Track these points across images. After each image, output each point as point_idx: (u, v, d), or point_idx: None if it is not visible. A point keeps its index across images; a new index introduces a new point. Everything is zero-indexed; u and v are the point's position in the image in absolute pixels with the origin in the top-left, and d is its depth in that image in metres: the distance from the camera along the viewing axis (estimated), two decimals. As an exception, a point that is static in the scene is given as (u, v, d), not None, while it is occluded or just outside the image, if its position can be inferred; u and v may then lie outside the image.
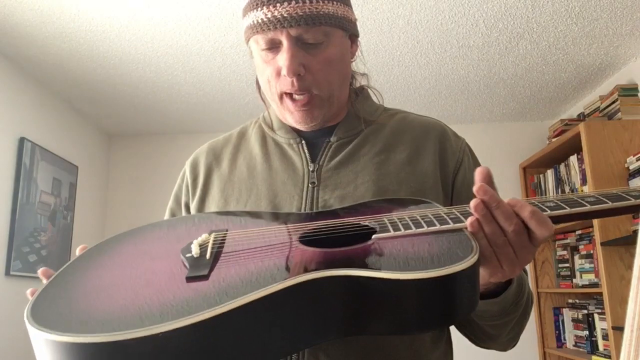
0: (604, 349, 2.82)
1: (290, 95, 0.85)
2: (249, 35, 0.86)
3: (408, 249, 0.61)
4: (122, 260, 0.68)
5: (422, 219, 0.67)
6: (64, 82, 3.11)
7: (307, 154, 0.89)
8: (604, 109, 3.01)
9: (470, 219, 0.64)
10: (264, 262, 0.62)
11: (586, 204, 0.65)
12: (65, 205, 3.37)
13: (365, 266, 0.58)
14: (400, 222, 0.67)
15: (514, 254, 0.65)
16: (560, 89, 3.36)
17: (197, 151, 1.01)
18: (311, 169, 0.88)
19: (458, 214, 0.67)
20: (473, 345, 0.89)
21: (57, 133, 3.33)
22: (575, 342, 3.21)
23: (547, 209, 0.65)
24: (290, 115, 0.87)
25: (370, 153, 0.89)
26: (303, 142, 0.91)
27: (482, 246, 0.64)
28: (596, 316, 2.94)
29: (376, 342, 0.75)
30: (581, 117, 3.31)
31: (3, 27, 2.50)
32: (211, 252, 0.65)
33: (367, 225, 0.69)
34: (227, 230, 0.73)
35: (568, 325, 3.29)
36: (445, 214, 0.68)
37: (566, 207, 0.65)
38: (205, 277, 0.60)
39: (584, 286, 3.04)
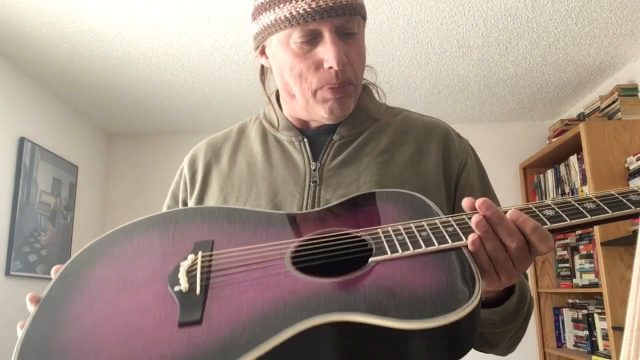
0: (604, 349, 2.82)
1: (330, 87, 0.82)
2: (280, 28, 0.81)
3: (409, 281, 0.58)
4: (104, 289, 0.64)
5: (419, 232, 0.64)
6: (64, 82, 3.11)
7: (309, 152, 0.88)
8: (604, 109, 3.01)
9: (471, 237, 0.62)
10: (257, 302, 0.58)
11: (587, 215, 0.64)
12: (65, 205, 3.37)
13: (365, 309, 0.54)
14: (396, 237, 0.64)
15: (513, 266, 0.64)
16: (560, 89, 3.36)
17: (195, 147, 1.00)
18: (313, 168, 0.86)
19: (456, 227, 0.64)
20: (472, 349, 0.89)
21: (57, 133, 3.33)
22: (575, 342, 3.21)
23: (547, 222, 0.64)
24: (325, 106, 0.84)
25: (373, 152, 0.87)
26: (305, 140, 0.89)
27: (481, 262, 0.62)
28: (596, 316, 2.94)
29: None
30: (581, 117, 3.31)
31: (3, 27, 2.50)
32: (201, 287, 0.61)
33: (362, 240, 0.66)
34: (212, 246, 0.69)
35: (568, 325, 3.29)
36: (442, 225, 0.65)
37: (567, 218, 0.64)
38: (198, 322, 0.57)
39: (584, 286, 3.04)
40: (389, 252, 0.62)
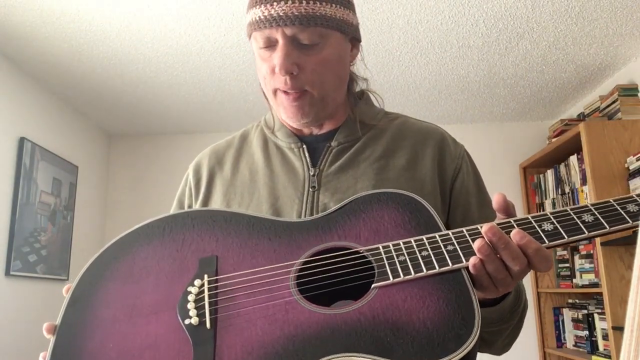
0: (604, 349, 2.82)
1: (284, 90, 0.85)
2: (250, 32, 0.87)
3: (411, 315, 0.60)
4: (116, 317, 0.65)
5: (420, 252, 0.66)
6: (64, 82, 3.11)
7: (308, 159, 0.90)
8: (604, 109, 3.01)
9: (472, 261, 0.63)
10: (266, 340, 0.60)
11: (585, 231, 0.65)
12: (65, 205, 3.37)
13: (370, 350, 0.57)
14: (397, 256, 0.66)
15: (512, 280, 0.66)
16: (560, 89, 3.36)
17: (200, 155, 1.02)
18: (312, 174, 0.88)
19: (457, 245, 0.66)
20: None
21: (57, 133, 3.33)
22: (575, 342, 3.21)
23: (545, 240, 0.65)
24: (284, 111, 0.88)
25: (370, 158, 0.89)
26: (304, 146, 0.91)
27: (481, 280, 0.64)
28: (596, 316, 2.94)
29: None
30: (581, 117, 3.31)
31: (3, 27, 2.50)
32: (210, 320, 0.63)
33: (363, 257, 0.68)
34: (217, 263, 0.70)
35: (568, 325, 3.29)
36: (442, 242, 0.66)
37: (565, 235, 0.65)
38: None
39: (584, 286, 3.04)
40: (390, 277, 0.64)
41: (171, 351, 0.61)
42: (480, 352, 0.87)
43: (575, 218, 0.66)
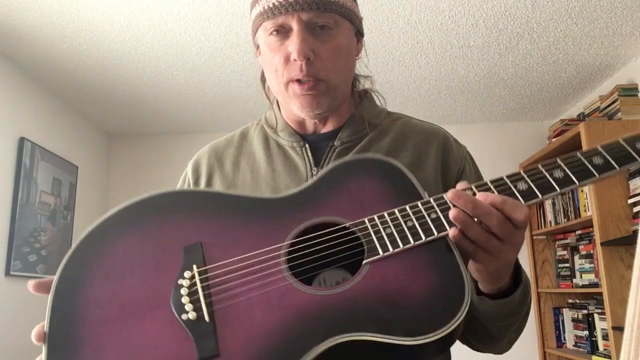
0: (604, 349, 2.83)
1: (297, 80, 0.84)
2: (259, 22, 0.85)
3: (405, 288, 0.62)
4: (109, 318, 0.62)
5: (405, 222, 0.67)
6: (64, 82, 3.11)
7: (310, 158, 0.89)
8: (604, 109, 3.01)
9: (452, 231, 0.65)
10: (267, 328, 0.60)
11: (556, 188, 0.67)
12: (65, 205, 3.37)
13: (371, 329, 0.59)
14: (384, 229, 0.67)
15: (502, 244, 0.66)
16: (560, 89, 3.36)
17: (198, 152, 1.01)
18: (314, 173, 0.87)
19: (439, 212, 0.67)
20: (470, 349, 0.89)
21: (57, 133, 3.33)
22: (575, 342, 3.21)
23: (521, 199, 0.67)
24: (296, 101, 0.85)
25: None
26: (307, 145, 0.90)
27: (466, 247, 0.66)
28: (596, 316, 2.94)
29: None
30: (581, 117, 3.31)
31: (3, 27, 2.50)
32: (208, 313, 0.62)
33: (351, 232, 0.68)
34: (202, 250, 0.68)
35: (568, 325, 3.29)
36: (425, 211, 0.68)
37: (539, 195, 0.67)
38: (216, 356, 0.59)
39: (584, 286, 3.04)
40: (380, 252, 0.65)
41: (172, 349, 0.60)
42: (483, 351, 0.87)
43: (547, 175, 0.68)
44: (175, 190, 0.76)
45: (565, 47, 2.79)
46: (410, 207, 0.68)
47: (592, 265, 2.97)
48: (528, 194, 0.67)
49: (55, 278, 0.66)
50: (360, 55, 0.94)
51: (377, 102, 0.98)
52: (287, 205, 0.73)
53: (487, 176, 1.01)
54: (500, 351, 0.87)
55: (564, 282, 3.30)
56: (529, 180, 0.68)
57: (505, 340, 0.83)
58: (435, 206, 0.68)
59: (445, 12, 2.45)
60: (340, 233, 0.68)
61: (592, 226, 2.81)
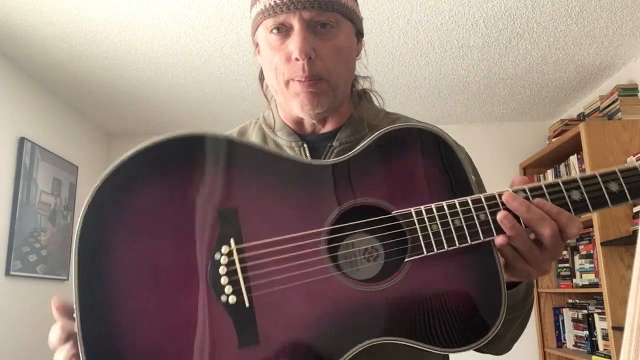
0: (604, 349, 2.82)
1: (298, 79, 0.83)
2: (259, 21, 0.84)
3: (444, 296, 0.64)
4: (141, 285, 0.58)
5: (452, 220, 0.66)
6: (64, 82, 3.11)
7: (309, 158, 0.88)
8: (604, 109, 3.01)
9: (499, 239, 0.65)
10: (308, 320, 0.60)
11: (609, 204, 0.67)
12: (65, 205, 3.37)
13: (407, 335, 0.62)
14: (430, 225, 0.66)
15: (539, 254, 0.67)
16: (560, 89, 3.36)
17: None
18: None
19: (489, 214, 0.66)
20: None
21: (57, 133, 3.33)
22: (575, 342, 3.21)
23: (572, 210, 0.67)
24: (297, 99, 0.84)
25: None
26: (305, 145, 0.90)
27: (507, 254, 0.67)
28: (596, 316, 2.94)
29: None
30: (581, 117, 3.31)
31: (3, 27, 2.50)
32: (248, 298, 0.60)
33: (394, 220, 0.67)
34: (237, 217, 0.62)
35: (568, 325, 3.29)
36: (475, 209, 0.67)
37: (590, 208, 0.67)
38: (256, 343, 0.59)
39: (584, 286, 3.04)
40: (424, 251, 0.65)
41: (212, 332, 0.57)
42: (484, 351, 0.86)
43: (604, 190, 0.68)
44: (207, 134, 0.65)
45: (565, 47, 2.79)
46: (460, 204, 0.67)
47: (592, 265, 2.97)
48: (580, 207, 0.67)
49: (76, 230, 0.61)
50: (360, 55, 0.94)
51: (376, 103, 0.98)
52: (331, 177, 0.69)
53: (487, 176, 1.02)
54: (501, 351, 0.86)
55: (564, 282, 3.30)
56: (584, 192, 0.68)
57: (507, 337, 0.83)
58: (485, 207, 0.67)
59: (445, 12, 2.45)
60: (384, 222, 0.67)
61: (592, 226, 2.81)
